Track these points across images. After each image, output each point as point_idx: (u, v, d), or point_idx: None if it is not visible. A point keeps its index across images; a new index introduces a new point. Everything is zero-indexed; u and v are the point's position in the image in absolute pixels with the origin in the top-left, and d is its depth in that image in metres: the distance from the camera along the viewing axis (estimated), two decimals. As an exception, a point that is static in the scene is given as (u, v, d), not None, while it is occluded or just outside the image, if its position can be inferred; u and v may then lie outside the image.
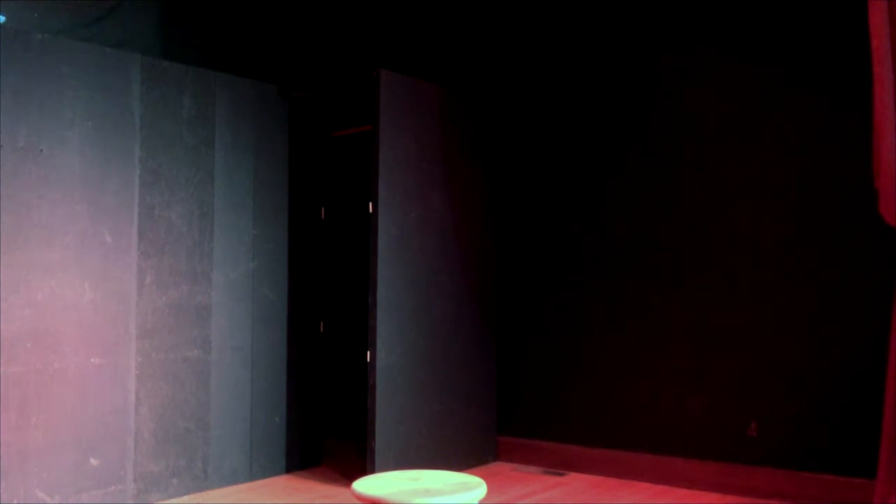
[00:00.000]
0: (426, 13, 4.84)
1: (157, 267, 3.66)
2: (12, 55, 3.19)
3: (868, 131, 3.23)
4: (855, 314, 3.45)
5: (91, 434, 3.39)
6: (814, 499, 3.47)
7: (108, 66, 3.50)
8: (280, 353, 4.16)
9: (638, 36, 4.09)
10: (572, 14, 4.31)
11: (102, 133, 3.48)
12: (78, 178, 3.39)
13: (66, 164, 3.35)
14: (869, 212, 3.30)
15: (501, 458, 4.44)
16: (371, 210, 3.84)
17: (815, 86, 3.59)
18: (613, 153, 4.15)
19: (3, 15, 3.67)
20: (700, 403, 3.83)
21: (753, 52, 3.75)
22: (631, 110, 4.10)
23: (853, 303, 3.46)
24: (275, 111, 4.18)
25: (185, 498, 3.70)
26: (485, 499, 3.08)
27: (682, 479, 3.83)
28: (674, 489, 3.81)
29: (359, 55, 5.09)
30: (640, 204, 4.04)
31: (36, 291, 3.24)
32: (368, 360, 3.79)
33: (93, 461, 3.39)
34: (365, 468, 4.00)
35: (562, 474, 4.14)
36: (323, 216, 4.42)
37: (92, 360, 3.40)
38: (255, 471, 4.03)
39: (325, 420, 4.90)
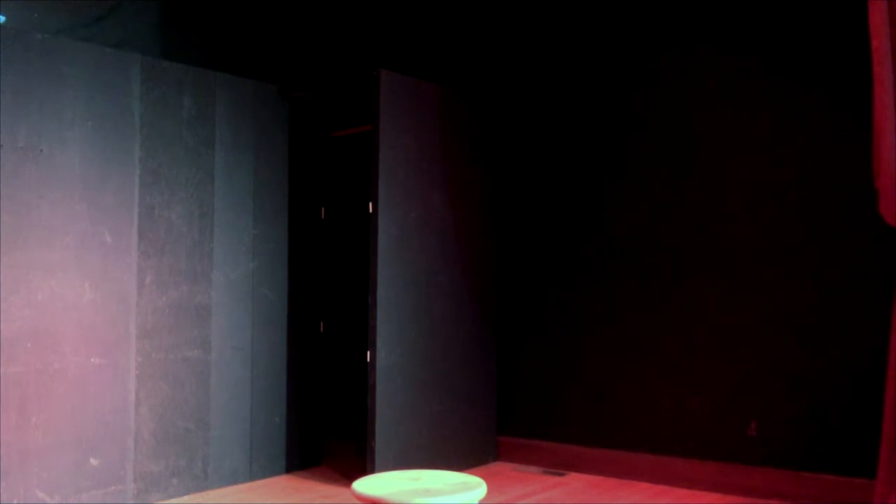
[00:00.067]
0: (426, 13, 4.84)
1: (157, 267, 3.66)
2: (12, 55, 3.19)
3: (868, 131, 3.23)
4: (855, 314, 3.45)
5: (91, 434, 3.39)
6: (814, 499, 3.47)
7: (108, 66, 3.50)
8: (280, 353, 4.16)
9: (638, 36, 4.09)
10: (572, 14, 4.31)
11: (102, 133, 3.48)
12: (78, 178, 3.39)
13: (66, 164, 3.35)
14: (869, 212, 3.30)
15: (501, 458, 4.44)
16: (371, 210, 3.84)
17: (815, 86, 3.59)
18: (613, 153, 4.15)
19: (3, 15, 3.67)
20: (700, 403, 3.83)
21: (753, 52, 3.75)
22: (631, 110, 4.10)
23: (853, 303, 3.46)
24: (275, 111, 4.18)
25: (185, 498, 3.70)
26: (485, 499, 3.08)
27: (682, 479, 3.83)
28: (674, 489, 3.81)
29: (359, 55, 5.09)
30: (640, 204, 4.04)
31: (36, 291, 3.24)
32: (368, 360, 3.79)
33: (93, 461, 3.39)
34: (365, 468, 4.00)
35: (562, 474, 4.14)
36: (323, 216, 4.42)
37: (92, 360, 3.40)
38: (255, 471, 4.03)
39: (325, 420, 4.90)
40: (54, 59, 3.32)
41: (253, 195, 4.07)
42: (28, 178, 3.23)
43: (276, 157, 4.19)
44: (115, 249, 3.51)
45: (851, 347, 3.45)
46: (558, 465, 4.24)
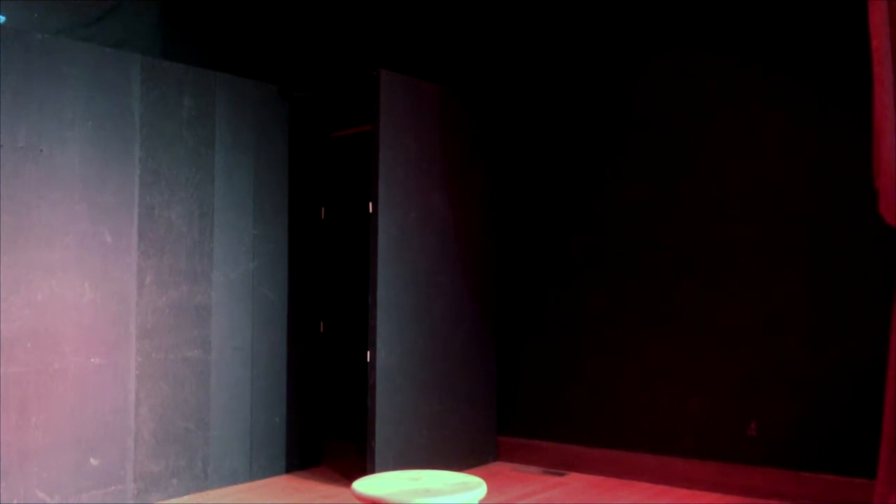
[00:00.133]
0: (426, 13, 4.84)
1: (157, 267, 3.66)
2: (12, 55, 3.19)
3: (868, 131, 3.23)
4: (855, 314, 3.45)
5: (91, 434, 3.39)
6: (814, 499, 3.47)
7: (108, 66, 3.50)
8: (280, 353, 4.16)
9: (638, 36, 4.09)
10: (572, 14, 4.31)
11: (102, 133, 3.48)
12: (78, 178, 3.39)
13: (66, 164, 3.35)
14: (869, 212, 3.30)
15: (501, 458, 4.44)
16: (371, 210, 3.84)
17: (815, 86, 3.59)
18: (613, 153, 4.15)
19: (3, 15, 3.67)
20: (700, 403, 3.83)
21: (753, 52, 3.75)
22: (631, 110, 4.10)
23: (853, 303, 3.45)
24: (275, 111, 4.18)
25: (185, 498, 3.70)
26: (485, 499, 3.08)
27: (682, 479, 3.83)
28: (674, 489, 3.81)
29: (359, 55, 5.09)
30: (640, 204, 4.04)
31: (36, 291, 3.24)
32: (368, 360, 3.79)
33: (93, 461, 3.39)
34: (365, 468, 4.00)
35: (562, 474, 4.14)
36: (323, 216, 4.42)
37: (92, 360, 3.40)
38: (255, 471, 4.03)
39: (325, 420, 4.90)
40: (54, 59, 3.32)
41: (253, 195, 4.07)
42: (28, 178, 3.23)
43: (276, 157, 4.19)
44: (115, 249, 3.51)
45: (851, 347, 3.45)
46: (558, 465, 4.24)
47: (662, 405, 3.93)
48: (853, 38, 3.43)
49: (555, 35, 4.37)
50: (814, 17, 3.59)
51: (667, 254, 3.96)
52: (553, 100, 4.37)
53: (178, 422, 3.71)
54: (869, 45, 2.98)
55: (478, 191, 4.38)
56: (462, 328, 4.24)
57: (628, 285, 4.06)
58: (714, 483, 3.73)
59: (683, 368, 3.88)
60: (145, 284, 3.61)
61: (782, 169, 3.66)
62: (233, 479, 3.93)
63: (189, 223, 3.79)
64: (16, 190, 3.19)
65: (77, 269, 3.37)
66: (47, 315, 3.26)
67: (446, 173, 4.19)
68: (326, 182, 4.50)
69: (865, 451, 3.31)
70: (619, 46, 4.15)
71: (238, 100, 4.01)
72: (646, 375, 3.99)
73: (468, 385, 4.26)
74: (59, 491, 3.27)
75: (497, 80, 4.57)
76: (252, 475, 4.01)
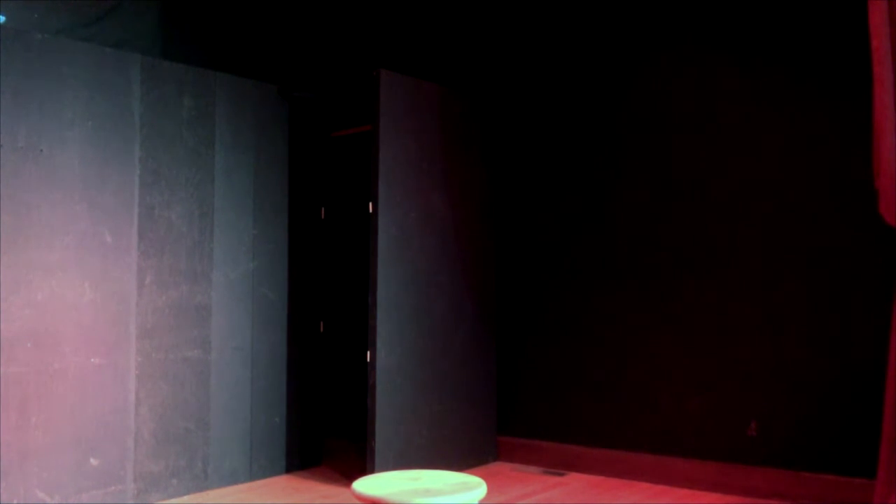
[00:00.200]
0: (426, 13, 4.84)
1: (157, 267, 3.66)
2: (12, 55, 3.19)
3: (868, 131, 3.23)
4: (855, 314, 3.45)
5: (91, 434, 3.39)
6: (814, 499, 3.47)
7: (108, 66, 3.50)
8: (280, 353, 4.16)
9: (637, 36, 4.09)
10: (572, 14, 4.31)
11: (102, 133, 3.48)
12: (78, 178, 3.39)
13: (66, 164, 3.35)
14: (869, 212, 3.30)
15: (501, 458, 4.44)
16: (371, 210, 3.84)
17: (815, 86, 3.59)
18: (613, 153, 4.15)
19: (3, 15, 3.67)
20: (700, 403, 3.83)
21: (753, 52, 3.75)
22: (631, 110, 4.10)
23: (853, 303, 3.45)
24: (275, 111, 4.18)
25: (185, 498, 3.70)
26: (485, 499, 3.08)
27: (682, 479, 3.83)
28: (674, 489, 3.81)
29: (359, 55, 5.09)
30: (640, 204, 4.04)
31: (36, 291, 3.24)
32: (368, 360, 3.79)
33: (93, 461, 3.39)
34: (365, 468, 4.00)
35: (562, 474, 4.14)
36: (323, 216, 4.42)
37: (92, 360, 3.40)
38: (255, 471, 4.03)
39: (325, 420, 4.90)
40: (54, 59, 3.32)
41: (253, 195, 4.07)
42: (28, 178, 3.23)
43: (276, 157, 4.19)
44: (115, 249, 3.51)
45: (851, 347, 3.45)
46: (558, 465, 4.24)
47: (662, 405, 3.93)
48: (853, 38, 3.43)
49: (555, 35, 4.37)
50: (814, 17, 3.59)
51: (667, 254, 3.95)
52: (553, 99, 4.37)
53: (178, 422, 3.71)
54: (869, 45, 2.98)
55: (478, 191, 4.38)
56: (462, 328, 4.24)
57: (628, 285, 4.06)
58: (714, 483, 3.73)
59: (683, 368, 3.88)
60: (145, 284, 3.61)
61: (782, 169, 3.66)
62: (233, 479, 3.93)
63: (189, 223, 3.79)
64: (16, 190, 3.19)
65: (77, 269, 3.37)
66: (47, 315, 3.26)
67: (446, 173, 4.19)
68: (326, 182, 4.50)
69: (865, 451, 3.31)
70: (618, 46, 4.15)
71: (238, 100, 4.01)
72: (646, 375, 3.99)
73: (468, 385, 4.26)
74: (59, 491, 3.27)
75: (497, 80, 4.57)
76: (252, 475, 4.01)
